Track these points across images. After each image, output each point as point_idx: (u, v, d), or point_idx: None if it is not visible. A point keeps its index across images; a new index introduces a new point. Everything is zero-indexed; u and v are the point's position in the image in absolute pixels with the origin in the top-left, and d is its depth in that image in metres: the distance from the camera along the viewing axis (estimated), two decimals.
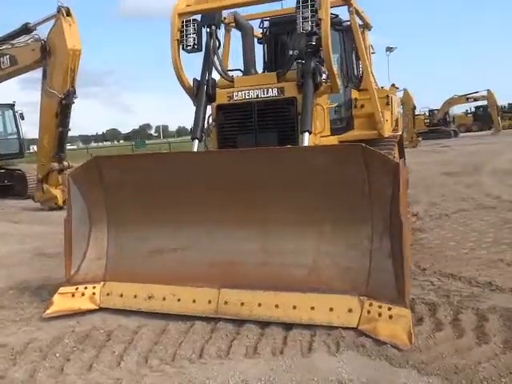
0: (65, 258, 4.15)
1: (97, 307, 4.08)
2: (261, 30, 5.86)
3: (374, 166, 3.37)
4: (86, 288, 4.13)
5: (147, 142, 70.85)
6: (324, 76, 4.42)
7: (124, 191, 4.18)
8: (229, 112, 4.69)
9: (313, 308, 3.49)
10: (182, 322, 3.74)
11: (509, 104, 45.41)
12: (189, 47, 4.77)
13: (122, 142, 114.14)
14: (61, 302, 4.05)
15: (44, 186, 10.71)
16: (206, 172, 3.92)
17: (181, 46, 4.81)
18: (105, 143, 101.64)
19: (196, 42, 4.73)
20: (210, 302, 3.76)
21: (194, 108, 4.80)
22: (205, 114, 4.66)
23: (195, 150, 4.58)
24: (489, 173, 13.05)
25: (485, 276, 4.28)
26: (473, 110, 43.17)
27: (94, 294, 4.11)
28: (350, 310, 3.41)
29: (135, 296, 3.99)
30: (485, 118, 39.74)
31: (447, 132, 35.12)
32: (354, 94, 6.03)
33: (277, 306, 3.58)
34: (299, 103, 4.42)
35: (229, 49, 6.09)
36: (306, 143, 4.16)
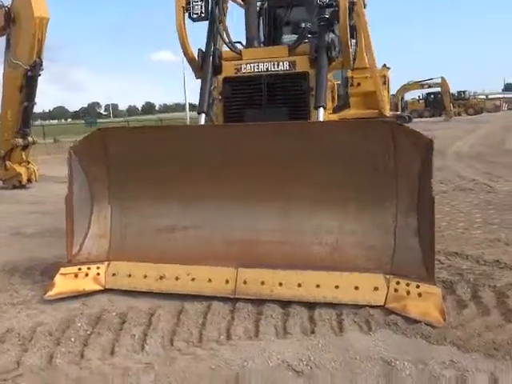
0: (66, 237, 3.88)
1: (102, 288, 3.85)
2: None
3: (404, 143, 3.31)
4: (89, 268, 3.88)
5: (98, 120, 68.68)
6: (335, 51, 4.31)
7: (130, 166, 3.94)
8: (236, 85, 4.50)
9: (337, 287, 3.42)
10: (197, 302, 3.57)
11: (458, 92, 47.16)
12: (195, 15, 4.52)
13: (69, 120, 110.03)
14: (63, 283, 3.80)
15: (7, 163, 10.09)
16: (222, 146, 3.74)
17: (186, 14, 4.57)
18: (51, 121, 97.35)
19: (203, 9, 4.49)
20: (227, 281, 3.62)
21: (199, 81, 4.58)
22: (211, 86, 4.45)
23: (202, 124, 4.37)
24: (454, 157, 13.48)
25: (489, 255, 4.35)
26: (425, 96, 44.50)
27: (98, 274, 3.88)
28: (375, 289, 3.37)
29: (145, 276, 3.79)
30: (436, 104, 41.09)
31: (403, 117, 35.95)
32: (348, 72, 5.96)
33: (299, 285, 3.49)
34: (311, 78, 4.29)
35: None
36: (321, 119, 4.06)
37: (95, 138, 3.88)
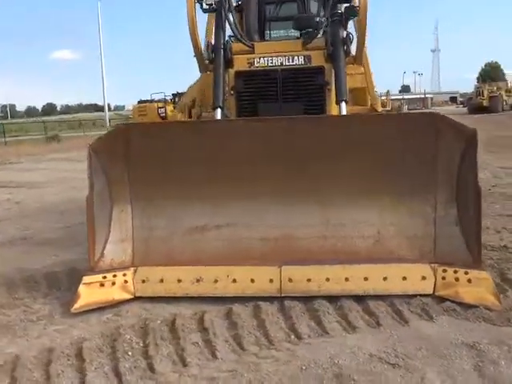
0: (88, 243, 3.53)
1: (132, 296, 3.56)
2: None
3: (447, 134, 3.41)
4: (115, 276, 3.56)
5: None
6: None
7: (153, 164, 3.68)
8: (250, 79, 4.36)
9: (385, 278, 3.44)
10: (240, 304, 3.42)
11: None
12: (208, 5, 4.33)
13: None
14: (89, 293, 3.45)
15: None
16: (254, 141, 3.61)
17: (198, 5, 4.35)
18: None
19: (214, 0, 4.30)
20: (271, 280, 3.50)
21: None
22: (224, 80, 4.28)
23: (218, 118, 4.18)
24: None
25: (490, 241, 4.59)
26: None
27: (125, 282, 3.57)
28: (423, 278, 3.43)
29: (179, 280, 3.55)
30: None
31: None
32: None
33: (347, 279, 3.46)
34: (327, 73, 4.29)
35: None
36: (344, 113, 4.06)
37: (116, 135, 3.57)
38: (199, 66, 4.66)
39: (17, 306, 3.61)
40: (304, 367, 2.64)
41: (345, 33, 4.28)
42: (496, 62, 79.22)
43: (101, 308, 3.46)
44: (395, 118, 3.90)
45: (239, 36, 4.41)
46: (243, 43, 4.42)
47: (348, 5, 4.28)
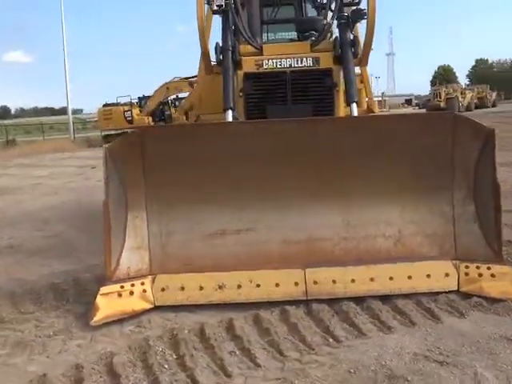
0: (104, 251, 3.36)
1: (151, 306, 3.41)
2: None
3: (465, 133, 3.44)
4: (133, 285, 3.41)
5: None
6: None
7: (170, 168, 3.55)
8: (258, 81, 4.27)
9: (410, 277, 3.43)
10: (265, 309, 3.33)
11: None
12: (218, 6, 4.22)
13: None
14: (107, 304, 3.28)
15: None
16: (273, 143, 3.53)
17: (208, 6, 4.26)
18: None
19: (224, 1, 4.20)
20: (296, 283, 3.43)
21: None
22: (233, 82, 4.18)
23: (230, 120, 4.08)
24: None
25: None
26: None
27: (144, 291, 3.42)
28: (446, 275, 3.45)
29: (201, 287, 3.43)
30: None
31: None
32: None
33: (372, 280, 3.44)
34: (335, 75, 4.26)
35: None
36: (355, 114, 4.05)
37: (133, 138, 3.42)
38: (206, 69, 4.55)
39: (27, 320, 3.39)
40: (352, 370, 2.59)
41: (352, 35, 4.27)
42: (448, 66, 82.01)
43: (121, 319, 3.30)
44: (414, 117, 3.91)
45: (247, 37, 4.32)
46: (251, 45, 4.34)
47: (355, 8, 4.28)
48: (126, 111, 22.63)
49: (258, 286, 3.43)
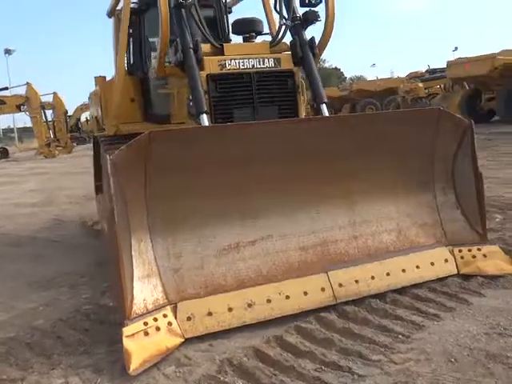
0: (120, 286, 2.74)
1: (182, 340, 2.89)
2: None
3: (446, 127, 3.73)
4: (155, 319, 2.86)
5: None
6: None
7: (176, 180, 3.09)
8: (223, 83, 3.96)
9: (418, 267, 3.57)
10: (296, 321, 3.10)
11: None
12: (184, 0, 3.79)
13: None
14: (139, 348, 2.69)
15: None
16: (279, 145, 3.36)
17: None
18: None
19: None
20: (323, 289, 3.28)
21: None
22: (201, 83, 3.79)
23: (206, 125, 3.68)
24: None
25: None
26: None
27: (169, 323, 2.89)
28: (446, 260, 3.67)
29: (230, 309, 3.04)
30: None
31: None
32: None
33: (388, 274, 3.48)
34: (297, 76, 4.22)
35: None
36: (326, 115, 4.06)
37: (141, 144, 2.89)
38: (158, 68, 4.07)
39: (37, 365, 2.59)
40: (449, 358, 2.56)
41: (309, 36, 4.29)
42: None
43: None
44: (403, 114, 4.09)
45: (207, 36, 4.02)
46: (212, 43, 4.05)
47: (308, 9, 4.31)
48: None
49: (288, 297, 3.20)
